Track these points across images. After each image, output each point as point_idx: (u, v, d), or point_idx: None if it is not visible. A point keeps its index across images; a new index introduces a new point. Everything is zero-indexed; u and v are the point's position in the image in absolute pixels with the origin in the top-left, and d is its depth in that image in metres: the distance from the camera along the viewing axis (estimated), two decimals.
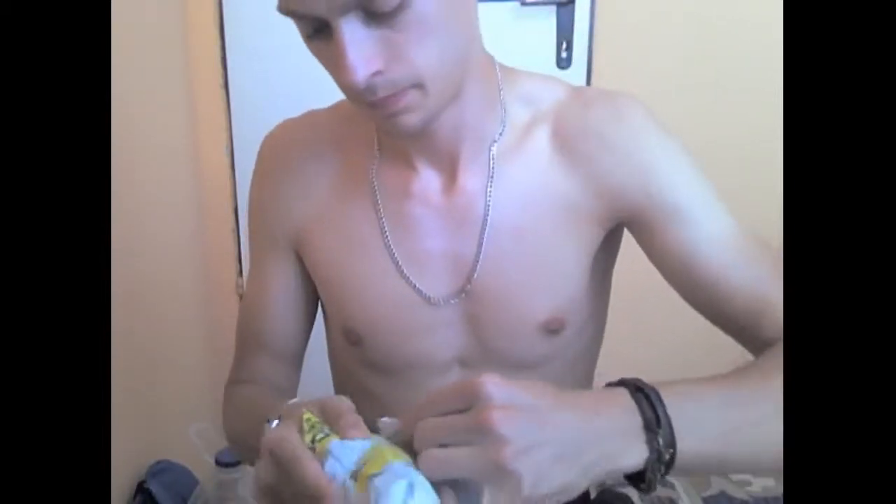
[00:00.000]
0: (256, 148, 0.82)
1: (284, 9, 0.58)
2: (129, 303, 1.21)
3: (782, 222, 0.48)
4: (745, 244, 0.68)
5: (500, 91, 0.71)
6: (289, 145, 0.78)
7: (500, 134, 0.71)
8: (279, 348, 0.82)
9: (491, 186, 0.70)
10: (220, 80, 1.70)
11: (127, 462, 1.26)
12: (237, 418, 0.78)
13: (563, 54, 1.69)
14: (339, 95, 0.79)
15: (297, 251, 0.79)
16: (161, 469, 1.30)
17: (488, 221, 0.70)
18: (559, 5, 1.65)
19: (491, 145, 0.71)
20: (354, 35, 0.56)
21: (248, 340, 0.84)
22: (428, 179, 0.72)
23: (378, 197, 0.73)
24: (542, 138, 0.71)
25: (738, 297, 0.66)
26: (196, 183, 1.71)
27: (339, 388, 0.87)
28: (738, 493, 1.73)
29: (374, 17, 0.56)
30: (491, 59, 0.72)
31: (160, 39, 1.54)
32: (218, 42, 1.68)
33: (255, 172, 0.81)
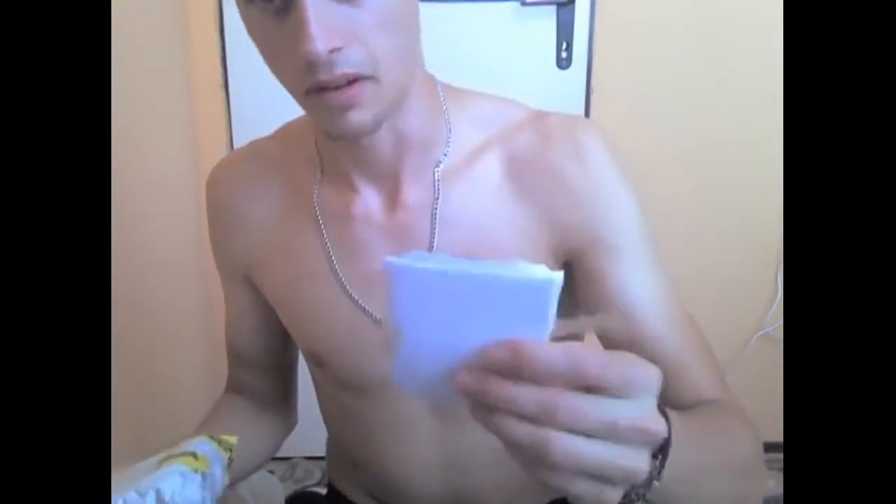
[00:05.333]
0: None
1: None
2: (129, 303, 1.21)
3: (782, 222, 0.48)
4: (673, 304, 0.69)
5: (444, 110, 0.70)
6: (229, 183, 0.79)
7: (446, 154, 0.70)
8: (255, 361, 0.86)
9: (437, 208, 0.69)
10: (220, 80, 1.70)
11: (127, 462, 1.26)
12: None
13: (563, 54, 1.69)
14: None
15: (251, 283, 0.80)
16: None
17: (434, 243, 0.69)
18: (559, 5, 1.65)
19: (436, 165, 0.69)
20: (319, 6, 0.54)
21: (230, 353, 0.89)
22: (369, 200, 0.71)
23: (321, 221, 0.72)
24: (492, 162, 0.69)
25: (665, 360, 0.66)
26: (196, 183, 1.71)
27: (322, 406, 0.89)
28: None
29: None
30: (433, 78, 0.71)
31: (160, 39, 1.54)
32: (218, 42, 1.68)
33: (207, 210, 0.83)
